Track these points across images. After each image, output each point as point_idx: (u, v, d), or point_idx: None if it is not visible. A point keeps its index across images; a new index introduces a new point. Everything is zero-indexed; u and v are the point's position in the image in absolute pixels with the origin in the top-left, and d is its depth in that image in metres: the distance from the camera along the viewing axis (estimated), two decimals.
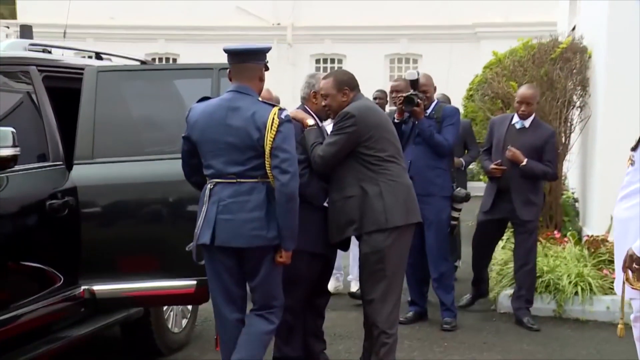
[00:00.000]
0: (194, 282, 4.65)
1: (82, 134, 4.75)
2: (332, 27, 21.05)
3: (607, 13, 7.63)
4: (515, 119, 6.55)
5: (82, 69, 4.96)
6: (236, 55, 4.24)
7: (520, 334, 6.27)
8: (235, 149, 4.13)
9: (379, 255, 4.63)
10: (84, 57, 5.75)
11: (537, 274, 6.64)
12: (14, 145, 4.00)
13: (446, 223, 6.38)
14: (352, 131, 4.62)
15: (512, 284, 6.83)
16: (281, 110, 4.17)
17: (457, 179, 6.82)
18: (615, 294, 5.00)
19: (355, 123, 4.63)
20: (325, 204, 4.85)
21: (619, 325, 3.87)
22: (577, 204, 8.73)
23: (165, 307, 5.57)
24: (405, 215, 4.70)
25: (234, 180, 4.15)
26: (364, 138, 4.64)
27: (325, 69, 21.46)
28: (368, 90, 8.42)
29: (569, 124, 8.28)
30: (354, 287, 7.13)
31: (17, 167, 4.21)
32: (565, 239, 7.54)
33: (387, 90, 8.61)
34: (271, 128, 4.09)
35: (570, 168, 8.69)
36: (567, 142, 8.25)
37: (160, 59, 21.62)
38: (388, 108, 8.19)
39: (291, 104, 5.11)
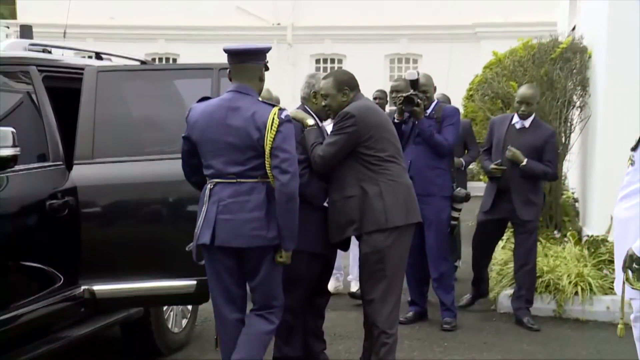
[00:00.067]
0: (194, 282, 4.66)
1: (82, 134, 4.75)
2: (332, 27, 21.05)
3: (607, 13, 7.63)
4: (515, 119, 6.55)
5: (82, 69, 4.95)
6: (236, 55, 4.24)
7: (520, 334, 6.27)
8: (235, 149, 4.13)
9: (379, 255, 4.63)
10: (85, 57, 5.74)
11: (537, 274, 6.63)
12: (14, 145, 4.00)
13: (446, 223, 6.37)
14: (352, 131, 4.62)
15: (512, 284, 6.83)
16: (281, 110, 4.16)
17: (457, 179, 6.81)
18: (615, 294, 4.99)
19: (355, 123, 4.63)
20: (326, 204, 4.85)
21: (619, 326, 3.87)
22: (577, 204, 8.73)
23: (165, 307, 5.57)
24: (405, 215, 4.70)
25: (234, 180, 4.14)
26: (364, 138, 4.64)
27: (325, 69, 21.46)
28: (368, 90, 8.42)
29: (569, 124, 8.28)
30: (354, 287, 7.13)
31: (17, 167, 4.22)
32: (565, 239, 7.53)
33: (387, 90, 8.63)
34: (271, 128, 4.08)
35: (570, 168, 8.69)
36: (567, 142, 8.25)
37: (161, 59, 21.63)
38: (388, 108, 8.19)
39: (291, 104, 5.12)
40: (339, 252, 5.46)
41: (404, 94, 6.15)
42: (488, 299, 7.05)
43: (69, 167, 4.71)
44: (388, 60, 21.72)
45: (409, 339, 6.07)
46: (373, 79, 17.02)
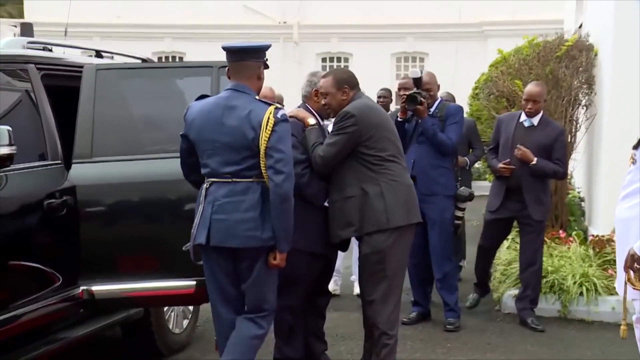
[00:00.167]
0: (194, 283, 4.60)
1: (81, 132, 4.71)
2: (339, 25, 21.02)
3: (613, 11, 7.58)
4: (523, 117, 6.45)
5: (82, 66, 4.91)
6: (234, 53, 4.19)
7: (525, 334, 6.21)
8: (231, 148, 4.08)
9: (380, 256, 4.58)
10: (92, 55, 5.71)
11: (542, 274, 6.57)
12: (9, 144, 3.97)
13: (450, 223, 6.31)
14: (352, 131, 4.58)
15: (516, 285, 6.78)
16: (277, 109, 4.09)
17: (461, 178, 6.76)
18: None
19: (355, 123, 4.58)
20: (326, 204, 4.80)
21: (622, 327, 3.82)
22: (583, 204, 8.66)
23: (166, 308, 5.54)
24: (406, 215, 4.65)
25: (229, 180, 4.09)
26: (364, 138, 4.59)
27: (331, 67, 21.41)
28: (375, 88, 8.42)
29: (574, 123, 8.21)
30: (358, 288, 7.07)
31: (15, 166, 4.19)
32: (571, 239, 7.47)
33: (392, 89, 8.59)
34: (266, 127, 4.02)
35: (576, 167, 8.62)
36: (572, 140, 8.18)
37: (167, 58, 21.66)
38: (394, 106, 8.15)
39: (297, 103, 5.07)
40: (339, 254, 5.42)
41: (407, 93, 6.10)
42: (492, 300, 7.00)
43: (68, 166, 4.66)
44: (394, 59, 21.69)
45: (412, 339, 6.03)
46: (379, 77, 16.97)
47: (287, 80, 14.71)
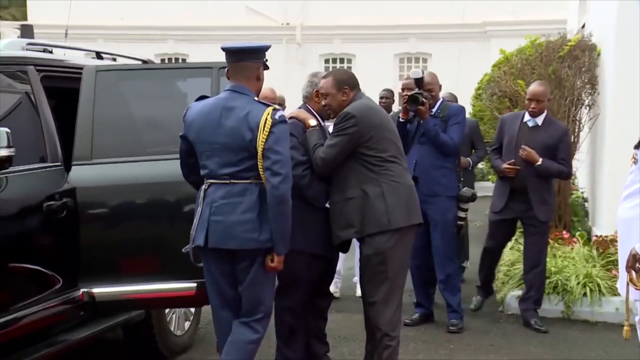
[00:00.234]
0: (194, 285, 4.57)
1: (80, 134, 4.69)
2: (341, 26, 21.00)
3: (616, 11, 7.54)
4: (527, 116, 6.41)
5: (82, 68, 4.90)
6: (233, 54, 4.17)
7: (528, 335, 6.18)
8: (229, 149, 4.05)
9: (381, 257, 4.56)
10: (94, 57, 5.70)
11: (546, 275, 6.55)
12: (8, 146, 3.95)
13: (452, 223, 6.29)
14: (352, 132, 4.55)
15: (520, 285, 6.75)
16: (275, 110, 4.06)
17: (464, 178, 6.73)
18: None
19: (356, 123, 4.56)
20: (327, 205, 4.78)
21: (625, 327, 3.80)
22: (586, 204, 8.62)
23: (167, 310, 5.52)
24: (407, 216, 4.63)
25: (227, 181, 4.07)
26: (365, 138, 4.57)
27: (334, 68, 21.38)
28: (378, 89, 8.41)
29: (577, 123, 8.18)
30: (360, 289, 7.04)
31: (14, 168, 4.17)
32: (574, 239, 7.44)
33: (395, 90, 8.57)
34: (264, 129, 3.99)
35: (580, 167, 8.59)
36: (576, 141, 8.15)
37: (170, 59, 21.67)
38: (397, 107, 8.12)
39: (299, 104, 5.05)
40: (340, 255, 5.39)
41: (409, 93, 6.07)
42: (495, 301, 6.96)
43: (68, 168, 4.65)
44: (397, 59, 21.66)
45: (414, 341, 6.00)
46: (382, 78, 16.97)
47: (290, 82, 14.67)
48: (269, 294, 4.24)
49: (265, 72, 4.31)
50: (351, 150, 4.59)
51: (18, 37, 5.85)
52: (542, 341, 6.03)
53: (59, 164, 4.63)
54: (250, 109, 4.06)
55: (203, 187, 4.15)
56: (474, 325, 6.43)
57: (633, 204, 3.67)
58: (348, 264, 7.57)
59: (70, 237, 4.55)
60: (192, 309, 5.90)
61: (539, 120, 6.37)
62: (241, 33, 19.45)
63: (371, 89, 8.18)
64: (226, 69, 4.26)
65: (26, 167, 4.40)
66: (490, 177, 11.95)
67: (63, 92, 5.00)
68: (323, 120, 4.95)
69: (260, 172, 4.03)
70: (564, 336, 6.17)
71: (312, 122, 4.80)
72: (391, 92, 8.42)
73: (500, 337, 6.18)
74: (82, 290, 4.59)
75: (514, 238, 7.47)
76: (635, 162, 3.74)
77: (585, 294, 6.54)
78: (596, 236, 7.42)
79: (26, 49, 4.86)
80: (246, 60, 4.17)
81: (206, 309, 5.38)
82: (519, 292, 6.68)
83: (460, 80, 14.40)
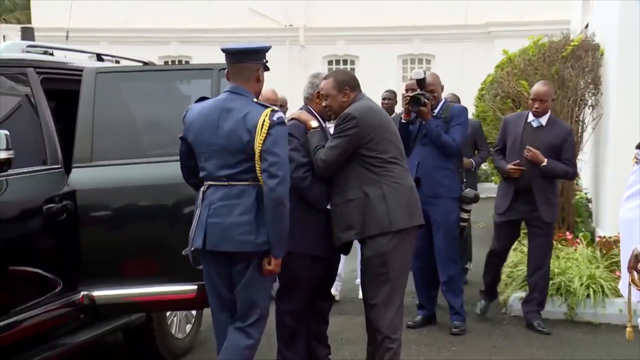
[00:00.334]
0: (195, 287, 4.55)
1: (80, 136, 4.68)
2: (345, 28, 20.98)
3: (619, 10, 7.52)
4: (531, 117, 6.36)
5: (82, 70, 4.89)
6: (233, 55, 4.14)
7: (531, 337, 6.15)
8: (227, 151, 4.03)
9: (382, 259, 4.53)
10: (99, 60, 5.69)
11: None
12: (7, 149, 3.93)
13: (455, 225, 6.26)
14: (353, 133, 4.53)
15: (522, 287, 6.72)
16: (274, 112, 4.02)
17: (467, 179, 6.69)
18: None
19: (356, 125, 4.53)
20: (329, 207, 4.75)
21: (627, 329, 3.76)
22: (590, 205, 8.58)
23: (168, 313, 5.50)
24: (408, 218, 4.60)
25: (225, 183, 4.04)
26: (365, 140, 4.54)
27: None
28: (382, 91, 8.40)
29: (581, 123, 8.15)
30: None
31: (14, 171, 4.16)
32: (578, 240, 7.40)
33: (399, 91, 8.55)
34: (261, 130, 3.96)
35: (583, 168, 8.55)
36: (579, 141, 8.11)
37: (173, 62, 21.67)
38: (399, 108, 8.10)
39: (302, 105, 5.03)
40: (341, 258, 5.37)
41: (410, 94, 6.05)
42: (498, 303, 6.93)
43: (68, 170, 4.63)
44: (401, 60, 21.64)
45: (417, 343, 5.98)
46: (386, 80, 16.92)
47: (293, 83, 14.63)
48: (264, 297, 4.20)
49: (268, 73, 4.29)
50: (352, 152, 4.56)
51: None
52: (544, 343, 6.00)
53: (59, 166, 4.62)
54: (249, 111, 4.03)
55: (202, 189, 4.13)
56: (476, 327, 6.40)
57: (635, 204, 3.63)
58: (350, 266, 7.54)
59: (70, 239, 4.54)
60: (194, 312, 5.88)
61: (543, 120, 6.33)
62: (244, 35, 19.45)
63: (375, 91, 8.16)
64: (226, 70, 4.24)
65: (26, 169, 4.39)
66: (493, 178, 11.89)
67: (64, 95, 4.99)
68: (324, 122, 4.93)
69: (258, 174, 4.00)
70: (567, 338, 6.14)
71: (314, 123, 4.77)
72: (394, 94, 8.40)
73: (503, 339, 6.15)
74: (82, 293, 4.57)
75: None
76: (637, 162, 3.71)
77: (588, 296, 6.50)
78: (600, 237, 7.39)
79: (26, 52, 4.85)
80: (246, 62, 4.14)
81: (207, 312, 5.35)
82: (522, 294, 6.65)
83: (464, 81, 14.36)
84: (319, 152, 4.61)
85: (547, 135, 6.27)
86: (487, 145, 7.99)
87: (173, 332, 5.58)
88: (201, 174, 4.15)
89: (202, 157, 4.12)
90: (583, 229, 7.87)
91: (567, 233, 7.64)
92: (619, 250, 6.68)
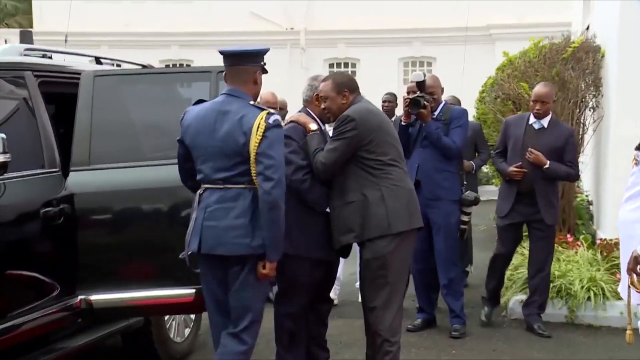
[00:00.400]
0: (193, 290, 4.52)
1: (78, 140, 4.65)
2: (346, 31, 20.98)
3: (619, 12, 7.50)
4: (532, 119, 6.32)
5: (80, 73, 4.88)
6: (230, 57, 4.13)
7: (531, 340, 6.13)
8: (223, 154, 4.01)
9: (381, 262, 4.51)
10: (100, 63, 5.68)
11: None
12: (3, 152, 3.92)
13: (455, 227, 6.23)
14: (352, 135, 4.51)
15: (523, 290, 6.69)
16: (270, 114, 4.00)
17: (467, 182, 6.66)
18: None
19: (355, 127, 4.51)
20: (328, 210, 4.74)
21: (627, 332, 3.73)
22: (591, 207, 8.56)
23: (167, 317, 5.48)
24: (408, 220, 4.58)
25: (221, 186, 4.02)
26: (364, 142, 4.52)
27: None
28: (382, 93, 8.38)
29: (581, 125, 8.13)
30: None
31: (11, 174, 4.13)
32: (578, 243, 7.38)
33: (399, 94, 8.53)
34: (256, 133, 3.94)
35: (584, 170, 8.52)
36: (580, 143, 8.09)
37: (174, 65, 21.63)
38: (400, 111, 8.08)
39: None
40: (340, 262, 5.35)
41: (410, 97, 6.03)
42: (499, 306, 6.89)
43: (66, 173, 4.61)
44: (402, 63, 21.63)
45: (416, 346, 5.96)
46: (387, 82, 16.95)
47: (294, 86, 14.56)
48: (258, 301, 4.16)
49: (269, 76, 4.28)
50: (351, 154, 4.54)
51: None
52: (544, 346, 5.98)
53: (57, 169, 4.60)
54: (245, 113, 4.01)
55: (199, 192, 4.11)
56: (476, 330, 6.38)
57: (634, 206, 3.61)
58: (350, 269, 7.52)
59: (68, 243, 4.51)
60: (192, 316, 5.86)
61: (545, 122, 6.30)
62: (245, 38, 19.46)
63: (375, 93, 8.15)
64: (223, 72, 4.22)
65: (23, 173, 4.36)
66: (494, 180, 11.87)
67: (62, 98, 4.97)
68: (323, 124, 4.91)
69: (254, 177, 3.98)
70: (568, 341, 6.12)
71: (313, 126, 4.75)
72: (394, 96, 8.38)
73: (503, 342, 6.13)
74: (79, 297, 4.54)
75: None
76: (636, 164, 3.69)
77: (589, 298, 6.48)
78: (600, 239, 7.37)
79: (24, 55, 4.83)
80: (243, 64, 4.13)
81: (206, 315, 5.35)
82: (522, 297, 6.63)
83: (465, 83, 14.30)
84: (318, 155, 4.59)
85: (549, 137, 6.24)
86: (487, 147, 7.97)
87: (172, 335, 5.56)
88: (198, 176, 4.13)
89: (199, 159, 4.10)
90: (584, 232, 7.85)
91: (568, 235, 7.61)
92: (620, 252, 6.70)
